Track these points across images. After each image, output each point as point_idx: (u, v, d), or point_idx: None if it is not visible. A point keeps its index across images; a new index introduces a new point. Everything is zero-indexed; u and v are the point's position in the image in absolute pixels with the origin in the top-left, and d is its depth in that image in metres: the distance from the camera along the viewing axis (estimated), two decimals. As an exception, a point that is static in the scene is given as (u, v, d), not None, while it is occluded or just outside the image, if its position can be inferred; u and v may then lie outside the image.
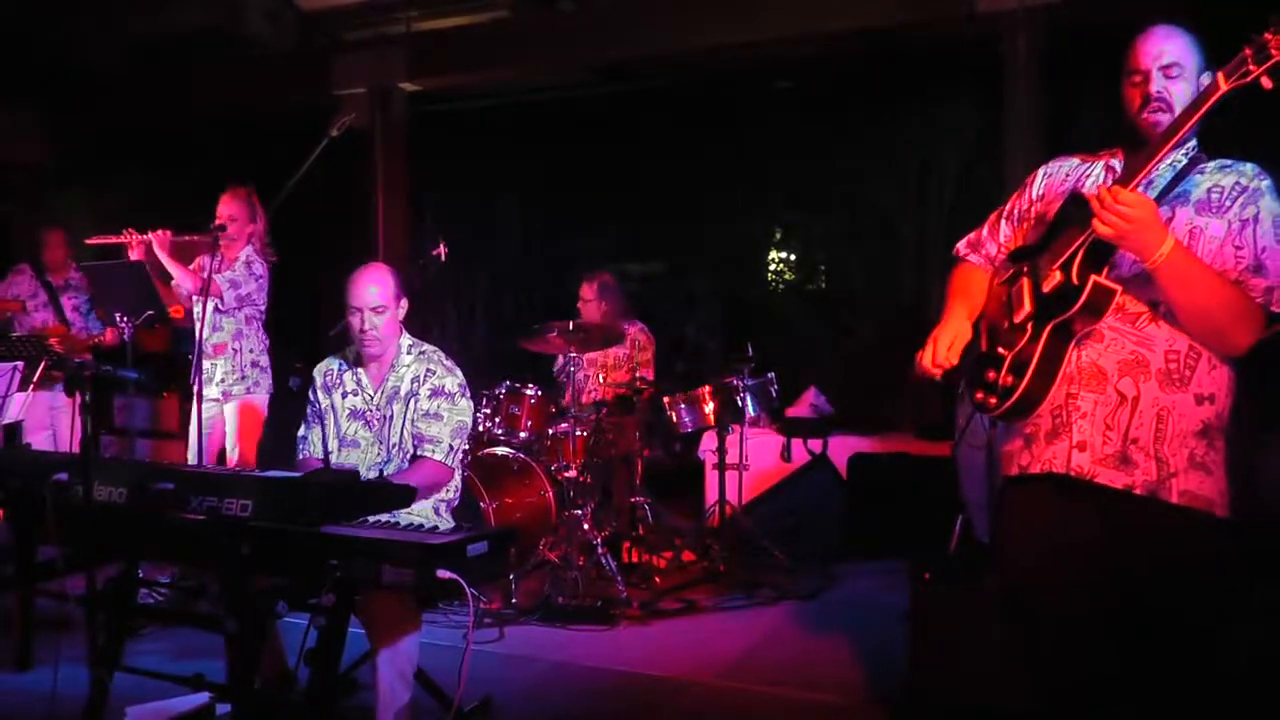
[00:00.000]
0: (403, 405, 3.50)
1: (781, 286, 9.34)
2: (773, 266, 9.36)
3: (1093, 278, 2.26)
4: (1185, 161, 2.38)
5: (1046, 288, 2.34)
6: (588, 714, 3.80)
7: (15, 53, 7.72)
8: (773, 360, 6.19)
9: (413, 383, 3.51)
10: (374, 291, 3.48)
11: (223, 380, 5.15)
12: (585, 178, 8.61)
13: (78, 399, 2.95)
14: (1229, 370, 2.38)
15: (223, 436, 5.20)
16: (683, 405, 5.61)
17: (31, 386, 5.01)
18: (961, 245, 2.80)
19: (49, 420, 5.91)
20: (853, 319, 8.65)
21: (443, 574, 2.47)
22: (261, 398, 5.29)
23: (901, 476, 6.11)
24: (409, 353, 3.57)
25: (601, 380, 6.11)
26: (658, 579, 5.34)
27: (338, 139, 4.86)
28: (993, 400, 2.41)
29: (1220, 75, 2.15)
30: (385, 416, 3.53)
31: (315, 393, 3.66)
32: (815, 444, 6.28)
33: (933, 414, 7.11)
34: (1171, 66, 2.35)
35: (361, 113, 7.30)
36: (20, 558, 3.72)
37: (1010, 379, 2.36)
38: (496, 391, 5.55)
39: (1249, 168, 2.38)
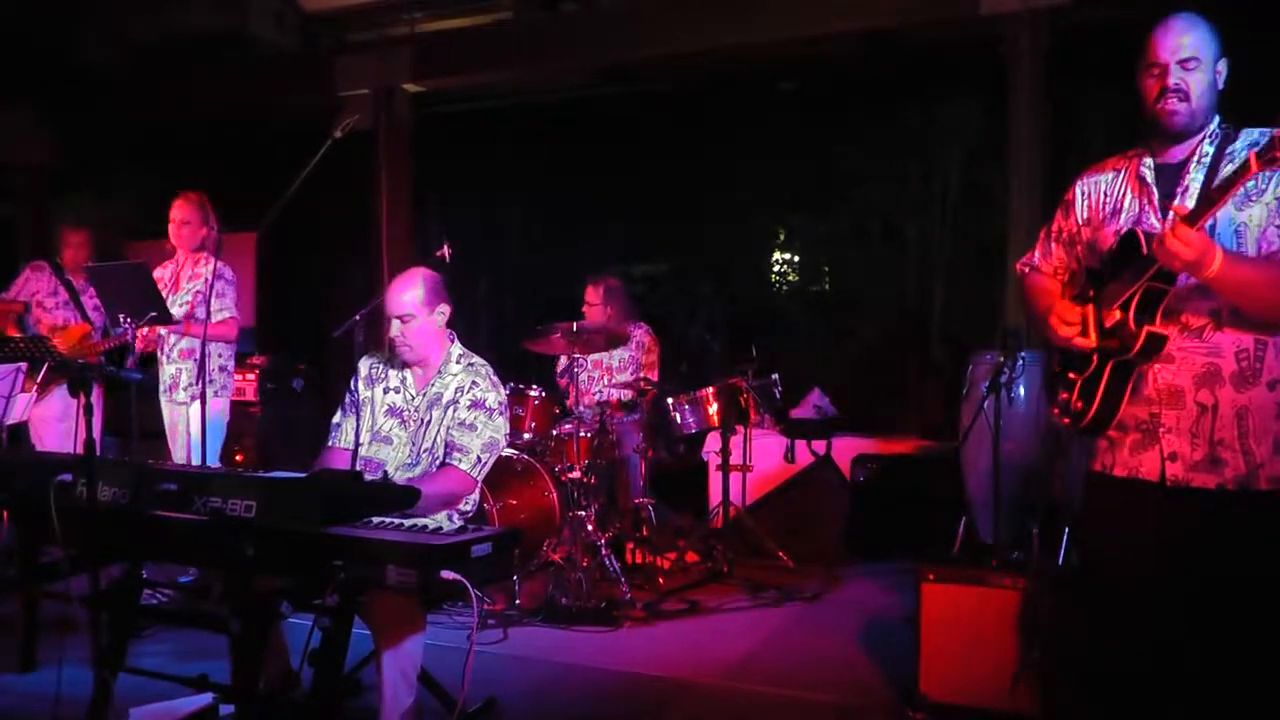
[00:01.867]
0: (442, 412, 3.48)
1: (785, 288, 9.33)
2: (776, 268, 9.35)
3: (1147, 328, 2.41)
4: (1213, 152, 2.45)
5: (1109, 323, 2.47)
6: (591, 715, 3.79)
7: (18, 53, 7.73)
8: (776, 361, 6.18)
9: (456, 392, 3.47)
10: (403, 299, 3.45)
11: (190, 384, 5.22)
12: (589, 179, 8.60)
13: (83, 400, 2.95)
14: None
15: (188, 439, 5.24)
16: (686, 406, 5.60)
17: (35, 389, 5.02)
18: (1019, 264, 2.92)
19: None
20: (856, 320, 8.65)
21: (447, 575, 2.47)
22: (224, 401, 5.35)
23: (905, 478, 6.12)
24: (458, 362, 3.54)
25: (606, 382, 6.11)
26: (661, 580, 5.34)
27: (341, 140, 4.85)
28: (1066, 420, 2.59)
29: (1253, 156, 2.21)
30: (423, 420, 3.50)
31: (357, 383, 3.64)
32: (819, 445, 6.28)
33: (936, 415, 7.12)
34: (1189, 60, 2.41)
35: (365, 114, 7.30)
36: (24, 559, 3.73)
37: (1080, 404, 2.54)
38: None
39: None
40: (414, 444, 3.52)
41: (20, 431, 5.37)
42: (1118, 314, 2.44)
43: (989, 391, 4.70)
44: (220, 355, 5.31)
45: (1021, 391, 4.93)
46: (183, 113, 8.54)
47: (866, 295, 8.64)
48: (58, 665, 3.22)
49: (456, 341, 3.60)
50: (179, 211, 5.28)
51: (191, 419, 5.18)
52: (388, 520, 2.75)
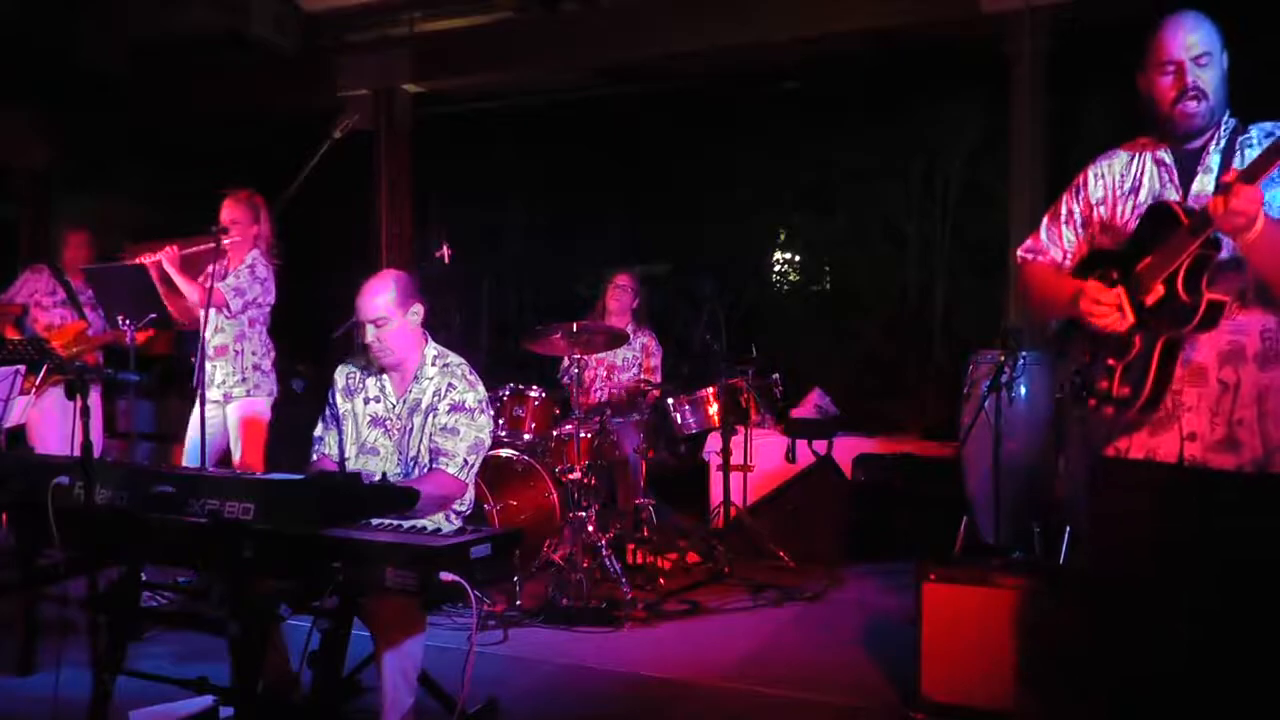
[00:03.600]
0: (423, 418, 3.43)
1: (786, 287, 9.34)
2: (777, 267, 9.35)
3: (1208, 295, 2.35)
4: (1227, 138, 2.49)
5: (1150, 300, 2.41)
6: (592, 716, 3.79)
7: (18, 53, 7.73)
8: (776, 361, 6.18)
9: (434, 396, 3.42)
10: (376, 303, 3.38)
11: (223, 382, 5.12)
12: (589, 179, 8.61)
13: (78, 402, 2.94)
14: None
15: (225, 439, 5.18)
16: (687, 406, 5.59)
17: (35, 391, 5.01)
18: (1022, 251, 2.86)
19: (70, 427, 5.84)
20: (856, 320, 8.65)
21: (446, 576, 2.46)
22: (262, 401, 5.21)
23: (906, 477, 6.11)
24: (433, 364, 3.48)
25: (607, 378, 6.11)
26: (662, 581, 5.32)
27: (341, 140, 4.85)
28: (1109, 410, 2.51)
29: None
30: (406, 428, 3.46)
31: (334, 395, 3.58)
32: (820, 445, 6.27)
33: (937, 414, 7.12)
34: (1202, 56, 2.44)
35: (365, 114, 7.31)
36: (22, 561, 3.71)
37: (1127, 390, 2.46)
38: (500, 394, 5.54)
39: None
40: (401, 453, 3.47)
41: (19, 434, 5.37)
42: (1161, 289, 2.39)
43: (990, 391, 4.71)
44: (254, 354, 5.19)
45: (1022, 391, 4.93)
46: (183, 113, 8.54)
47: (867, 295, 8.64)
48: (57, 668, 3.21)
49: (431, 342, 3.54)
50: (228, 212, 5.13)
51: (228, 417, 5.13)
52: (386, 522, 2.75)
